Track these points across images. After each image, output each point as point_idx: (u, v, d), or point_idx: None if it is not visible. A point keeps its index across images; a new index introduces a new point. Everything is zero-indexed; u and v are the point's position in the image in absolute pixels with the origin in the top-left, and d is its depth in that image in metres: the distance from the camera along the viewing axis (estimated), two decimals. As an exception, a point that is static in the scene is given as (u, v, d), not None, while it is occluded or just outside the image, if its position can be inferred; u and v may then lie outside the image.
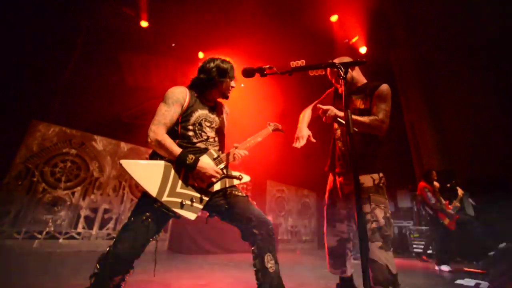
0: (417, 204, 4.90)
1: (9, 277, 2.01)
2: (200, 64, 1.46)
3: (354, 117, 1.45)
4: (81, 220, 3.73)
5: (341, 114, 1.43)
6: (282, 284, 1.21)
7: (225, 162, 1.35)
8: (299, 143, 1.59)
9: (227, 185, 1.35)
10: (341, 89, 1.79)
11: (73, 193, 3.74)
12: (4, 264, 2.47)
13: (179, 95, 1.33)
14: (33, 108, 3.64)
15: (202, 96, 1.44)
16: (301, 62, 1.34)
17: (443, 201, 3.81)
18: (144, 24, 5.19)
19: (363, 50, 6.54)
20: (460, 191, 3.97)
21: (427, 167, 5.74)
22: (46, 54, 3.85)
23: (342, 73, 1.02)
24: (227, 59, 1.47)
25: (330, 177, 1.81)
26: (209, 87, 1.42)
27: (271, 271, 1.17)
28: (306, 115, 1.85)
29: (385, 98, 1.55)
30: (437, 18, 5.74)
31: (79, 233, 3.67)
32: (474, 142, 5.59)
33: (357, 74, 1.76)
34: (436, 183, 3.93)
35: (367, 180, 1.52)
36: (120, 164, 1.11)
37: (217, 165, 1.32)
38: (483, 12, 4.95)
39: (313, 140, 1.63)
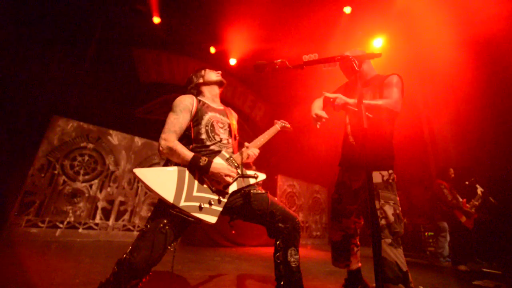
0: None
1: (34, 262, 2.15)
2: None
3: (366, 101, 1.42)
4: (99, 211, 3.90)
5: (350, 100, 1.41)
6: (301, 280, 1.19)
7: (238, 162, 1.34)
8: (319, 121, 1.53)
9: (244, 185, 1.33)
10: (354, 82, 1.76)
11: (90, 186, 3.90)
12: (30, 251, 2.64)
13: (186, 101, 1.37)
14: (53, 104, 3.80)
15: (204, 98, 1.50)
16: (313, 56, 1.31)
17: (460, 199, 3.67)
18: (156, 20, 5.24)
19: (378, 42, 6.31)
20: (479, 190, 3.81)
21: (444, 164, 5.52)
22: (64, 52, 3.99)
23: (356, 67, 1.00)
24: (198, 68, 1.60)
25: (339, 172, 1.79)
26: (202, 88, 1.52)
27: (293, 265, 1.17)
28: (317, 104, 1.80)
29: (393, 84, 1.53)
30: (457, 10, 5.43)
31: (96, 224, 3.84)
32: (495, 138, 5.31)
33: (367, 67, 1.73)
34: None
35: (376, 176, 1.49)
36: (134, 173, 1.10)
37: (230, 166, 1.30)
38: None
39: (325, 117, 1.56)
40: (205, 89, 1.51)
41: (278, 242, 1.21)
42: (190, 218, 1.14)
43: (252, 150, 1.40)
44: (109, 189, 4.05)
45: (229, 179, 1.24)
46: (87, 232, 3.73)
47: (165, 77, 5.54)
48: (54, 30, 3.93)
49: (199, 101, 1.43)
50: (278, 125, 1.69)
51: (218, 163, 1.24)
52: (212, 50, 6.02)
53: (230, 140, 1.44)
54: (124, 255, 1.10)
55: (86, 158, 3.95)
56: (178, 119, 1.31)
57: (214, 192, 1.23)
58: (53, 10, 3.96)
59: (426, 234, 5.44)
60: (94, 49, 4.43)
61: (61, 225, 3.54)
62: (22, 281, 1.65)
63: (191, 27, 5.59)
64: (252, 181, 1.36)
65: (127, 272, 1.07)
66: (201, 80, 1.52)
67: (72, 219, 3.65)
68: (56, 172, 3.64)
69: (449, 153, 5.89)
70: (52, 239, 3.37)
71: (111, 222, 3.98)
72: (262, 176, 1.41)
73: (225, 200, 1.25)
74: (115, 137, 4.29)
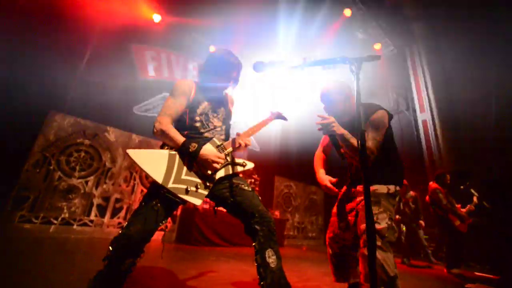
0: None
1: (26, 259, 2.12)
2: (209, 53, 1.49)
3: (349, 136, 1.43)
4: (94, 208, 3.87)
5: (340, 132, 1.40)
6: (284, 278, 1.21)
7: (228, 150, 1.37)
8: (331, 191, 1.64)
9: (231, 172, 1.37)
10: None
11: (86, 182, 3.87)
12: (23, 247, 2.61)
13: (185, 87, 1.38)
14: (50, 99, 3.76)
15: (207, 87, 1.46)
16: (313, 57, 1.30)
17: (455, 204, 3.71)
18: (157, 18, 5.22)
19: (377, 46, 6.35)
20: (475, 198, 3.84)
21: (440, 167, 5.57)
22: (62, 47, 3.96)
23: (355, 69, 1.00)
24: (234, 56, 1.48)
25: (344, 188, 1.80)
26: (207, 78, 1.45)
27: (272, 266, 1.18)
28: (318, 158, 1.90)
29: (377, 126, 1.48)
30: (456, 11, 5.48)
31: (91, 221, 3.82)
32: (491, 142, 5.37)
33: (344, 108, 1.63)
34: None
35: (381, 188, 1.50)
36: (127, 154, 1.17)
37: (220, 153, 1.34)
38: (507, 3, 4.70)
39: (333, 180, 1.66)
40: (209, 79, 1.45)
41: (254, 244, 1.24)
42: (177, 199, 1.21)
43: (245, 139, 1.42)
44: (105, 186, 4.03)
45: (216, 166, 1.28)
46: (81, 229, 3.70)
47: (164, 74, 5.52)
48: (53, 25, 3.89)
49: (198, 87, 1.43)
50: (273, 115, 1.71)
51: (207, 149, 1.28)
52: (212, 49, 6.01)
53: (223, 127, 1.46)
54: (120, 231, 1.18)
55: (82, 154, 3.92)
56: (175, 103, 1.34)
57: (201, 177, 1.28)
58: (53, 5, 3.92)
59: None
60: (93, 45, 4.39)
61: (55, 221, 3.51)
62: (14, 277, 1.63)
63: (191, 25, 5.57)
64: (240, 168, 1.40)
65: (123, 246, 1.14)
66: (216, 75, 1.42)
67: (67, 215, 3.62)
68: (51, 167, 3.60)
69: (444, 156, 5.93)
70: (46, 236, 3.34)
71: (106, 219, 3.95)
72: (250, 165, 1.44)
73: (211, 184, 1.30)
74: (112, 134, 4.26)
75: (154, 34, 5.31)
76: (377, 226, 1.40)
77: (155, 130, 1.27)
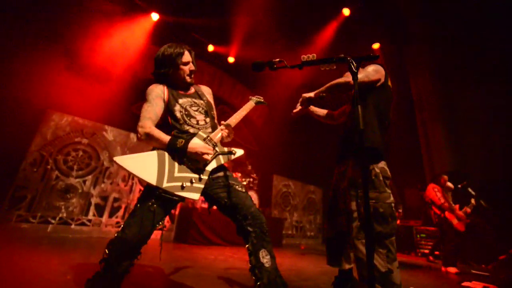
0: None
1: (24, 259, 2.11)
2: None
3: (326, 84, 1.55)
4: (92, 207, 3.86)
5: (309, 94, 1.59)
6: (280, 277, 1.21)
7: (215, 140, 1.37)
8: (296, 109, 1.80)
9: (223, 162, 1.38)
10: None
11: (84, 181, 3.85)
12: (20, 246, 2.60)
13: (158, 90, 1.39)
14: (48, 98, 3.74)
15: (173, 86, 1.45)
16: (312, 56, 1.31)
17: (453, 205, 3.73)
18: (155, 16, 5.19)
19: (375, 46, 6.35)
20: (473, 200, 3.86)
21: (438, 167, 5.60)
22: (59, 45, 3.93)
23: (354, 68, 1.00)
24: (175, 44, 1.44)
25: (335, 170, 1.80)
26: (168, 78, 1.44)
27: (267, 265, 1.18)
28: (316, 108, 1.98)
29: (366, 68, 1.58)
30: (454, 12, 5.50)
31: (89, 220, 3.80)
32: (488, 143, 5.40)
33: None
34: (450, 184, 3.84)
35: (356, 174, 1.46)
36: (115, 162, 1.13)
37: (207, 144, 1.34)
38: (505, 5, 4.72)
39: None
40: (169, 79, 1.45)
41: (247, 246, 1.24)
42: (175, 198, 1.20)
43: (230, 129, 1.43)
44: (103, 185, 4.01)
45: (207, 157, 1.28)
46: (79, 228, 3.69)
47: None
48: (51, 23, 3.86)
49: (169, 89, 1.42)
50: (253, 101, 1.72)
51: (195, 142, 1.28)
52: (211, 48, 5.99)
53: (207, 120, 1.46)
54: (116, 234, 1.16)
55: (80, 153, 3.90)
56: (152, 106, 1.34)
57: (194, 171, 1.27)
58: (49, 4, 3.89)
59: (418, 236, 5.51)
60: (91, 43, 4.36)
61: (53, 221, 3.49)
62: (11, 277, 1.62)
63: (190, 24, 5.55)
64: (231, 157, 1.42)
65: (119, 250, 1.13)
66: (170, 71, 1.43)
67: (65, 215, 3.60)
68: (49, 167, 3.59)
69: (443, 156, 5.97)
70: (43, 235, 3.32)
71: (104, 218, 3.94)
72: (239, 152, 1.44)
73: (205, 177, 1.29)
74: (110, 133, 4.24)
75: (154, 33, 5.28)
76: (361, 222, 1.36)
77: (139, 136, 1.26)
